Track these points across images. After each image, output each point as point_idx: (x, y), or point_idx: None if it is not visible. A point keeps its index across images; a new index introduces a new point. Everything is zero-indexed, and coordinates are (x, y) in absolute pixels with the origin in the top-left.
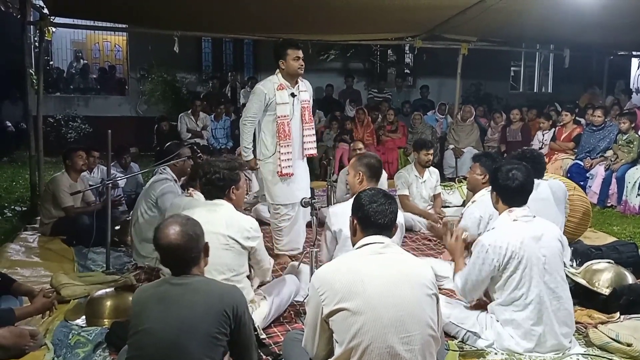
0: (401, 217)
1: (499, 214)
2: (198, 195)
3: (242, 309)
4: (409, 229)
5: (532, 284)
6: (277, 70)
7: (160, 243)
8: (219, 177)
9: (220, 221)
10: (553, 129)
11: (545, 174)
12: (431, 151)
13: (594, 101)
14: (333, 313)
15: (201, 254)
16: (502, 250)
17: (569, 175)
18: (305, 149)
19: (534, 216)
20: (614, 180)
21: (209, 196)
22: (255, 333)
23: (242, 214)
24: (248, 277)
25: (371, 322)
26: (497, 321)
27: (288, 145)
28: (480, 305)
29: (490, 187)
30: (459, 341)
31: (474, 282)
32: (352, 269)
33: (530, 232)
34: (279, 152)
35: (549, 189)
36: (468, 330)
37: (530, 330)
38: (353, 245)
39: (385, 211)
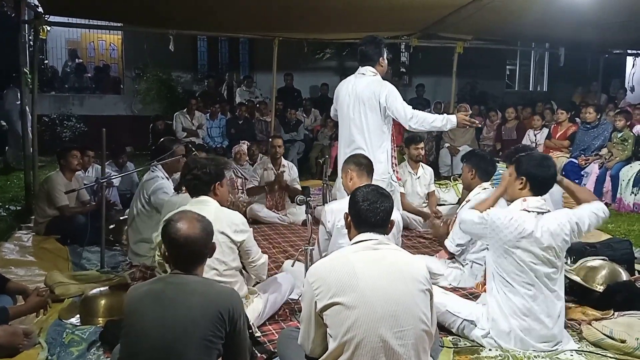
0: (397, 214)
1: (510, 203)
2: None
3: (238, 313)
4: (405, 227)
5: (536, 270)
6: (375, 71)
7: (175, 235)
8: (205, 171)
9: (209, 216)
10: (547, 128)
11: None
12: (420, 145)
13: (589, 99)
14: (327, 307)
15: (211, 251)
16: (521, 227)
17: (563, 173)
18: None
19: (548, 210)
20: (608, 178)
21: (195, 192)
22: (250, 331)
23: (230, 210)
24: (241, 272)
25: (364, 317)
26: (495, 304)
27: (394, 150)
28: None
29: (482, 183)
30: (455, 331)
31: (474, 223)
32: (346, 264)
33: (544, 223)
34: (394, 156)
35: None
36: (464, 319)
37: (525, 316)
38: (350, 240)
39: (376, 209)
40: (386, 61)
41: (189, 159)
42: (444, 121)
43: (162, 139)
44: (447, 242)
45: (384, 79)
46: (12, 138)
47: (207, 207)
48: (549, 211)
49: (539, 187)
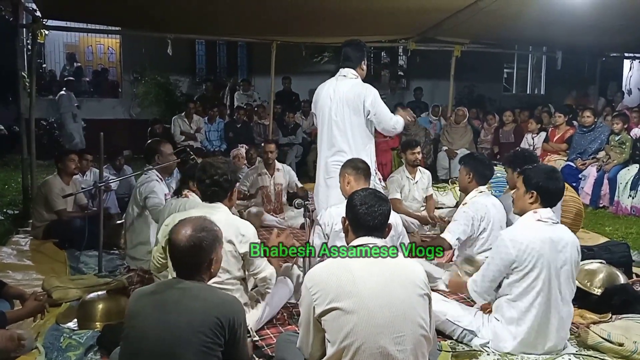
0: (397, 217)
1: (522, 214)
2: (193, 196)
3: (239, 322)
4: None
5: (544, 286)
6: (356, 73)
7: (170, 237)
8: (227, 177)
9: (219, 223)
10: (544, 132)
11: None
12: (417, 149)
13: (584, 103)
14: (325, 313)
15: (206, 264)
16: (522, 246)
17: None
18: None
19: (558, 222)
20: (605, 181)
21: (212, 198)
22: (249, 335)
23: (240, 218)
24: (244, 280)
25: (363, 322)
26: (497, 319)
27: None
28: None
29: (479, 187)
30: (455, 339)
31: (491, 278)
32: (344, 268)
33: (552, 235)
34: (375, 162)
35: None
36: (464, 329)
37: (530, 332)
38: (347, 245)
39: (374, 213)
40: (365, 66)
41: (204, 162)
42: (400, 121)
43: (148, 142)
44: (446, 234)
45: (380, 82)
46: (65, 142)
47: (217, 213)
48: (558, 222)
49: (550, 199)
